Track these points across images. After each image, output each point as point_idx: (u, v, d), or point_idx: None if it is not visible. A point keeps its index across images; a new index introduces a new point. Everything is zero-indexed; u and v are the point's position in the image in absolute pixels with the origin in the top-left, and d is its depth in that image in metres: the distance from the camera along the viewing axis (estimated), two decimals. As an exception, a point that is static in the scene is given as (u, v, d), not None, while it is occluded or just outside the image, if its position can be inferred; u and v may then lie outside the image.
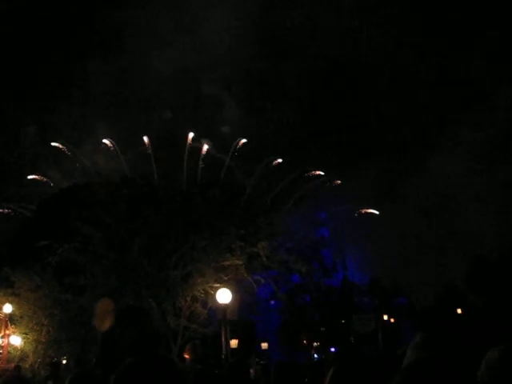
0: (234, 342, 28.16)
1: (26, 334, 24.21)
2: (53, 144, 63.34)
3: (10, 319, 22.90)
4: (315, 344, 60.10)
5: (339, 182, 68.65)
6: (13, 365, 18.28)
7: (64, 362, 25.39)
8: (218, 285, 19.95)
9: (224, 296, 16.11)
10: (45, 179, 63.33)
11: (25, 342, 24.14)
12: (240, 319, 53.06)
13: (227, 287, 16.97)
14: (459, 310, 43.75)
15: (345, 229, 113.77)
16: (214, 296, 18.51)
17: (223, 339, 15.83)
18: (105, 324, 5.37)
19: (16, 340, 23.59)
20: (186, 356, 7.18)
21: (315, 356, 56.39)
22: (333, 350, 51.47)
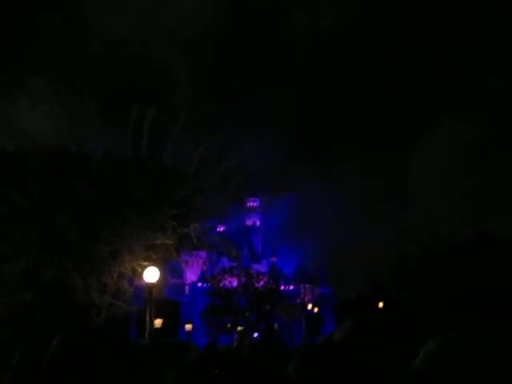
0: (158, 322, 28.03)
1: None
2: None
3: None
4: (239, 328, 60.59)
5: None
6: None
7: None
8: (146, 263, 19.73)
9: (152, 275, 15.96)
10: None
11: None
12: (166, 299, 52.84)
13: (155, 266, 16.81)
14: (381, 304, 44.98)
15: (278, 217, 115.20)
16: (141, 274, 18.31)
17: (148, 318, 15.73)
18: None
19: None
20: None
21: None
22: (256, 335, 52.09)
